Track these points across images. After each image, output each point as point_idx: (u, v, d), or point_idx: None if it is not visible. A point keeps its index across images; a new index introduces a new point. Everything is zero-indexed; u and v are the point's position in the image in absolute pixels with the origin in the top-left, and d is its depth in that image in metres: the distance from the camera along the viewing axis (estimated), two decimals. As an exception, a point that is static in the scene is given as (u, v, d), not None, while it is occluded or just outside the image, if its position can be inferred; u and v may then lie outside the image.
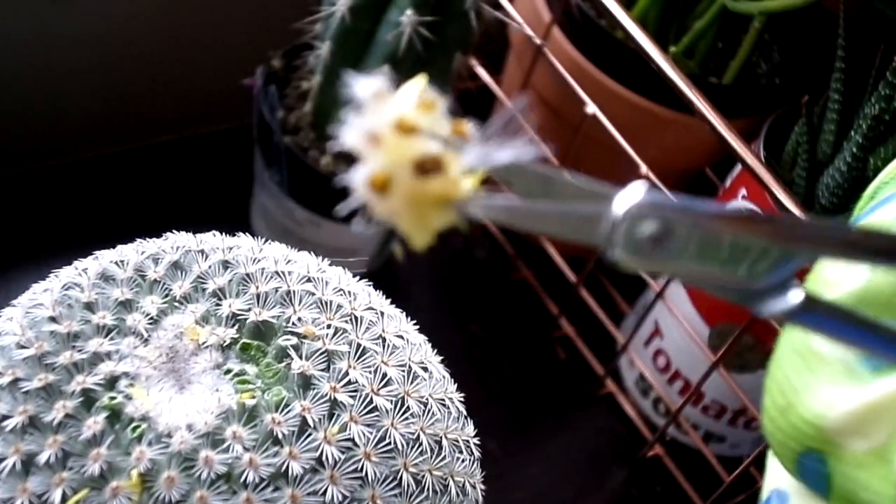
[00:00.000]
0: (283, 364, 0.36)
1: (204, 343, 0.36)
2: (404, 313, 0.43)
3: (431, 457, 0.37)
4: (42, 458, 0.33)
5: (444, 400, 0.39)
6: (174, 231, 0.41)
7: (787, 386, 0.34)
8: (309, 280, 0.39)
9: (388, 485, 0.36)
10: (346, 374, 0.37)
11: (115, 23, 0.67)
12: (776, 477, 0.38)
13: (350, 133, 0.24)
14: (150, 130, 0.76)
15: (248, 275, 0.39)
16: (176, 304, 0.38)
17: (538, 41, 0.64)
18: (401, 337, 0.40)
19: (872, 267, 0.33)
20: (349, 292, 0.40)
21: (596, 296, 0.72)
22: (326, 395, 0.36)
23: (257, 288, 0.38)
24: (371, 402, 0.36)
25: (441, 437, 0.38)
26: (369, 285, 0.42)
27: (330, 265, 0.42)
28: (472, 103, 0.74)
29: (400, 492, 0.36)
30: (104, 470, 0.33)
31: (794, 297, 0.25)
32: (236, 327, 0.37)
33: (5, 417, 0.34)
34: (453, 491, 0.38)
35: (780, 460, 0.36)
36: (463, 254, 0.78)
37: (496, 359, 0.73)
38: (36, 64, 0.66)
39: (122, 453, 0.33)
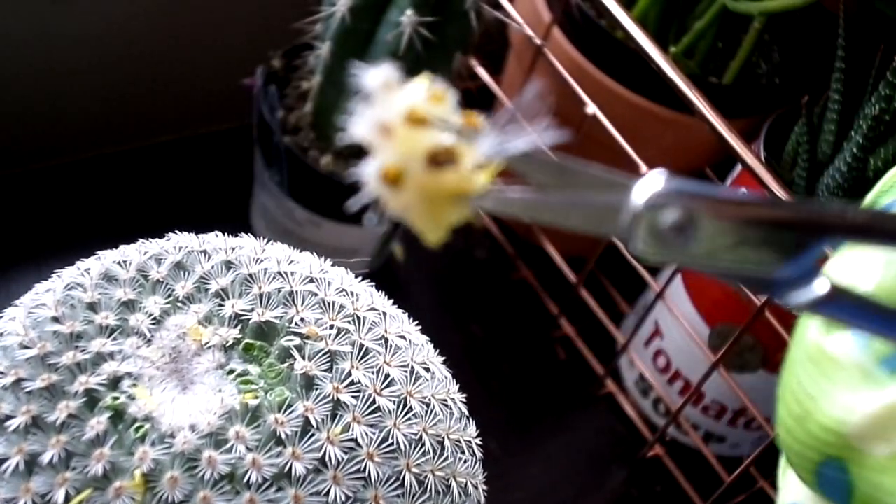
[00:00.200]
0: (285, 364, 0.36)
1: (207, 343, 0.36)
2: (405, 314, 0.43)
3: (434, 457, 0.37)
4: (45, 459, 0.33)
5: (446, 400, 0.39)
6: (174, 231, 0.41)
7: (803, 393, 0.34)
8: (311, 280, 0.39)
9: (390, 485, 0.36)
10: (349, 374, 0.37)
11: (115, 23, 0.67)
12: (791, 490, 0.37)
13: (360, 124, 0.24)
14: (150, 130, 0.76)
15: (250, 275, 0.39)
16: (179, 304, 0.38)
17: (538, 41, 0.64)
18: (403, 337, 0.40)
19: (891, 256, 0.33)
20: (352, 293, 0.40)
21: (596, 296, 0.72)
22: (329, 395, 0.36)
23: (260, 288, 0.38)
24: (374, 402, 0.36)
25: (443, 438, 0.38)
26: (370, 286, 0.43)
27: (332, 266, 0.42)
28: (472, 103, 0.74)
29: (403, 492, 0.36)
30: (107, 470, 0.33)
31: (820, 287, 0.24)
32: (239, 328, 0.37)
33: (8, 417, 0.34)
34: (456, 491, 0.38)
35: (798, 472, 0.35)
36: (463, 254, 0.78)
37: (496, 359, 0.73)
38: (36, 64, 0.66)
39: (125, 453, 0.33)
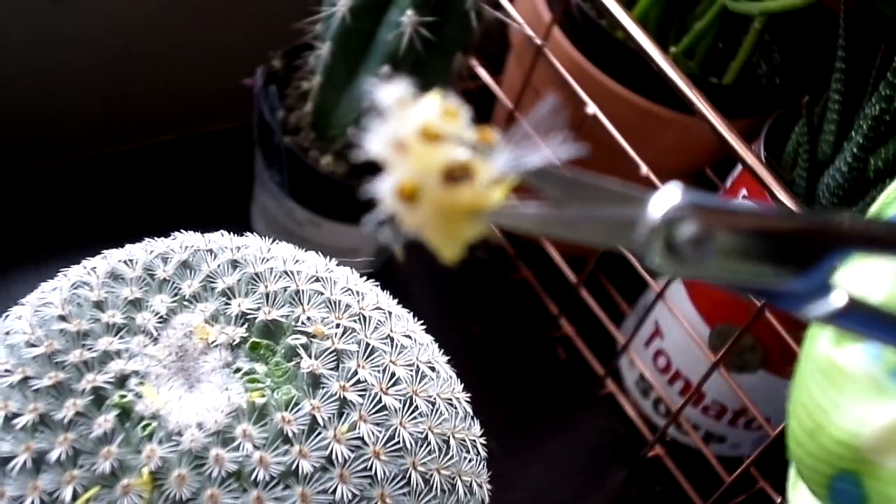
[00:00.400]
0: (292, 363, 0.36)
1: (213, 342, 0.36)
2: (409, 313, 0.43)
3: (439, 456, 0.37)
4: (53, 456, 0.33)
5: (451, 399, 0.40)
6: (174, 231, 0.41)
7: (814, 406, 0.33)
8: (317, 280, 0.39)
9: (396, 483, 0.36)
10: (355, 373, 0.37)
11: (115, 23, 0.67)
12: None
13: (375, 141, 0.24)
14: (150, 130, 0.76)
15: (256, 274, 0.39)
16: (185, 302, 0.38)
17: (538, 41, 0.64)
18: (408, 336, 0.40)
19: None
20: (357, 292, 0.40)
21: (596, 296, 0.72)
22: (336, 394, 0.36)
23: (266, 287, 0.38)
24: (380, 401, 0.36)
25: (449, 437, 0.38)
26: (375, 285, 0.43)
27: (337, 265, 0.42)
28: (472, 103, 0.74)
29: (408, 490, 0.36)
30: (115, 468, 0.33)
31: (838, 299, 0.24)
32: (245, 326, 0.37)
33: (16, 415, 0.34)
34: (461, 490, 0.38)
35: (810, 486, 0.35)
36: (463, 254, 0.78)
37: (496, 359, 0.73)
38: (36, 64, 0.66)
39: (132, 451, 0.33)
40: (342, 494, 0.34)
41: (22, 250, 0.68)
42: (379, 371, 0.37)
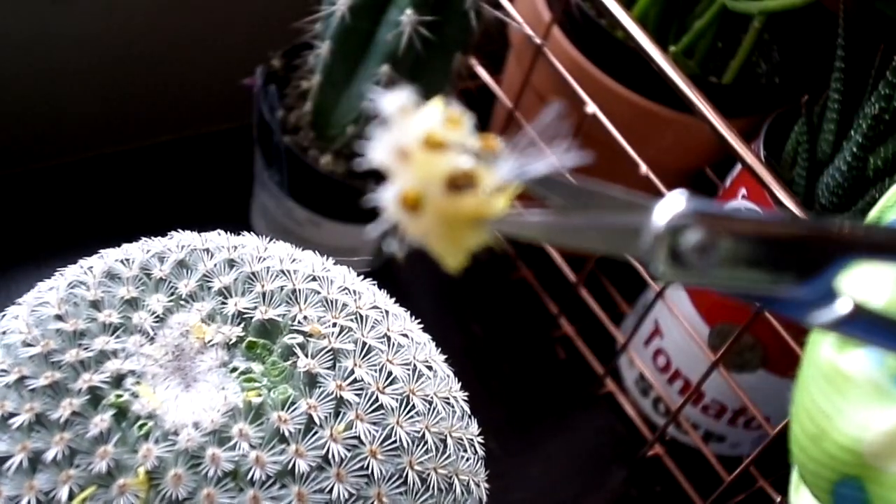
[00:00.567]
0: (288, 362, 0.36)
1: (210, 341, 0.37)
2: (407, 312, 0.43)
3: (436, 455, 0.37)
4: (49, 456, 0.33)
5: (448, 398, 0.40)
6: (174, 231, 0.41)
7: (817, 411, 0.33)
8: (314, 279, 0.39)
9: (393, 483, 0.36)
10: (352, 372, 0.37)
11: (115, 23, 0.67)
12: None
13: (378, 149, 0.24)
14: (150, 130, 0.76)
15: (253, 273, 0.39)
16: (182, 302, 0.38)
17: (538, 41, 0.64)
18: (405, 335, 0.40)
19: None
20: (354, 291, 0.40)
21: (596, 296, 0.72)
22: (332, 393, 0.36)
23: (263, 286, 0.38)
24: (377, 400, 0.36)
25: (446, 436, 0.38)
26: (372, 284, 0.43)
27: (334, 264, 0.42)
28: (472, 103, 0.74)
29: (405, 490, 0.36)
30: (111, 467, 0.33)
31: (843, 306, 0.24)
32: (242, 325, 0.37)
33: (12, 415, 0.34)
34: (458, 489, 0.38)
35: (813, 490, 0.35)
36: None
37: (496, 359, 0.73)
38: (36, 64, 0.66)
39: (128, 451, 0.33)
40: (339, 494, 0.34)
41: (22, 250, 0.68)
42: (376, 370, 0.37)
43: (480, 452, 0.41)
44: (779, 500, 0.60)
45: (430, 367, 0.39)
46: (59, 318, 0.36)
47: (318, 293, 0.39)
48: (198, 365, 0.36)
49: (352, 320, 0.38)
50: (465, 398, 0.42)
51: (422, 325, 0.43)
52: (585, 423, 0.72)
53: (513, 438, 0.70)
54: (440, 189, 0.24)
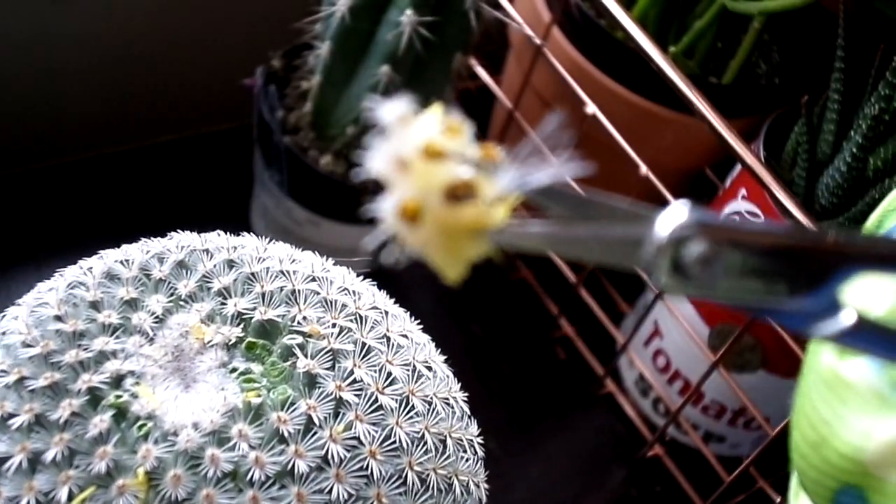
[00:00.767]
0: (288, 363, 0.36)
1: (209, 342, 0.36)
2: (407, 313, 0.43)
3: (436, 456, 0.37)
4: (48, 457, 0.33)
5: (448, 399, 0.40)
6: (174, 231, 0.41)
7: (818, 419, 0.33)
8: (314, 279, 0.39)
9: (393, 483, 0.36)
10: (352, 372, 0.37)
11: (115, 23, 0.67)
12: None
13: (377, 159, 0.23)
14: (150, 130, 0.76)
15: (253, 274, 0.39)
16: (181, 303, 0.38)
17: (538, 41, 0.64)
18: (405, 336, 0.40)
19: None
20: (354, 291, 0.40)
21: (596, 296, 0.72)
22: (332, 393, 0.36)
23: (262, 287, 0.38)
24: (376, 400, 0.36)
25: (445, 436, 0.38)
26: (372, 284, 0.43)
27: (333, 265, 0.42)
28: (472, 103, 0.74)
29: (405, 490, 0.36)
30: (110, 468, 0.33)
31: (847, 317, 0.24)
32: (241, 326, 0.37)
33: (11, 416, 0.34)
34: (457, 490, 0.38)
35: (814, 499, 0.34)
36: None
37: (496, 359, 0.73)
38: (36, 64, 0.66)
39: (128, 451, 0.33)
40: (338, 494, 0.34)
41: (22, 250, 0.68)
42: (375, 371, 0.37)
43: (480, 453, 0.41)
44: (778, 500, 0.60)
45: (429, 368, 0.39)
46: (58, 318, 0.36)
47: (318, 294, 0.39)
48: (197, 365, 0.36)
49: (351, 321, 0.38)
50: (465, 398, 0.42)
51: (421, 326, 0.43)
52: (585, 423, 0.72)
53: (513, 438, 0.70)
54: (439, 199, 0.23)
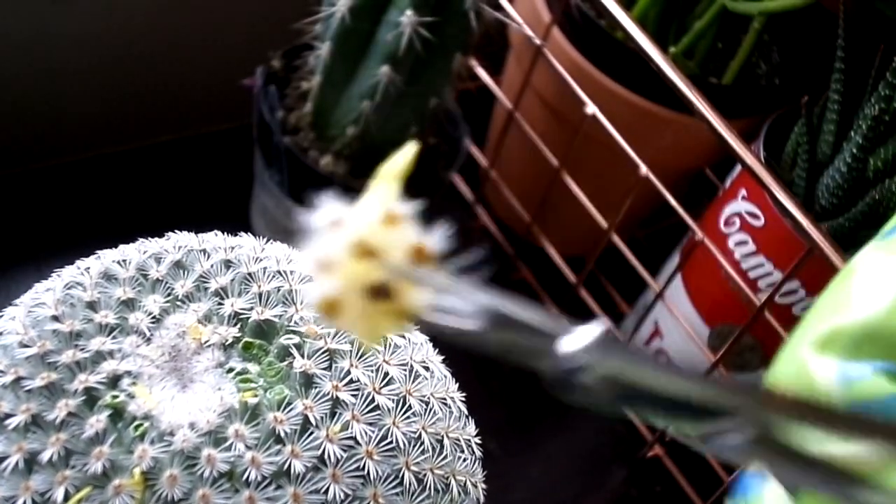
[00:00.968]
0: (284, 363, 0.36)
1: (206, 342, 0.37)
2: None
3: (433, 455, 0.37)
4: (45, 457, 0.33)
5: (445, 399, 0.40)
6: (174, 231, 0.41)
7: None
8: (311, 279, 0.39)
9: (389, 483, 0.36)
10: (348, 372, 0.37)
11: (115, 23, 0.67)
12: None
13: (305, 260, 0.24)
14: (150, 130, 0.76)
15: (249, 274, 0.39)
16: (178, 303, 0.38)
17: (538, 41, 0.64)
18: (402, 336, 0.40)
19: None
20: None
21: (596, 296, 0.72)
22: (328, 393, 0.36)
23: (259, 287, 0.38)
24: (373, 400, 0.36)
25: (443, 436, 0.38)
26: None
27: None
28: (472, 103, 0.74)
29: (401, 490, 0.36)
30: (107, 468, 0.33)
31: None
32: (238, 326, 0.37)
33: (8, 416, 0.34)
34: (455, 490, 0.38)
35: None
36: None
37: (496, 359, 0.73)
38: (36, 64, 0.66)
39: (124, 451, 0.33)
40: (334, 494, 0.34)
41: (22, 250, 0.68)
42: (372, 370, 0.37)
43: (478, 453, 0.41)
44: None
45: (426, 368, 0.39)
46: (55, 318, 0.36)
47: (315, 294, 0.39)
48: (194, 366, 0.36)
49: (348, 321, 0.38)
50: (463, 398, 0.42)
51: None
52: (585, 423, 0.72)
53: (513, 438, 0.70)
54: (361, 295, 0.24)
